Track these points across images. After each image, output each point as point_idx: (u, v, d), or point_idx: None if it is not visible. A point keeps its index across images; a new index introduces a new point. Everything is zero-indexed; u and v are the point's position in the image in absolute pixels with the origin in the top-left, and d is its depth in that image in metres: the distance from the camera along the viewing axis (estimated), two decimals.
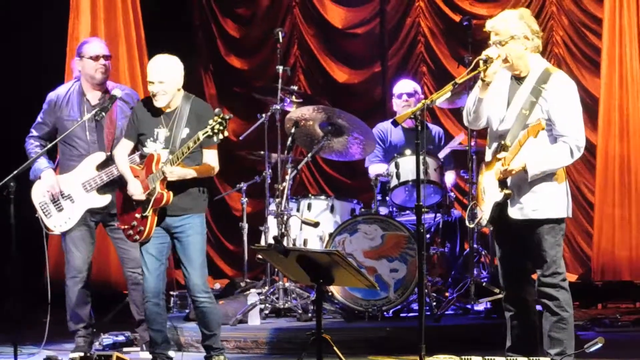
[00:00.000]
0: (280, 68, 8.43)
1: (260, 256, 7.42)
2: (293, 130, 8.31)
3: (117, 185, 6.95)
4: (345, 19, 10.98)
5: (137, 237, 6.56)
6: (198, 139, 6.33)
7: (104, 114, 7.04)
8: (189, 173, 6.50)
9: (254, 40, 11.10)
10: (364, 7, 10.94)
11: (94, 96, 7.34)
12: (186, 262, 6.58)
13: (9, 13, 10.00)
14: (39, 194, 7.27)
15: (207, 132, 6.30)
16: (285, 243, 7.75)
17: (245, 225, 8.92)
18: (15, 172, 6.38)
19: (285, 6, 11.06)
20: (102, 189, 7.16)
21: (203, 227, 6.66)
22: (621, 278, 9.59)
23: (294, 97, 8.55)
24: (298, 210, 8.35)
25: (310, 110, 8.28)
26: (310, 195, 8.67)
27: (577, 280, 9.76)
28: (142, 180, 6.54)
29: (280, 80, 8.38)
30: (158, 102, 6.54)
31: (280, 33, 8.59)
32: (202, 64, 11.20)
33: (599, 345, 5.84)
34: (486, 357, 5.77)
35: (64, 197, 7.21)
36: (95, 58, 7.31)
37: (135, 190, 6.54)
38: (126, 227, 6.63)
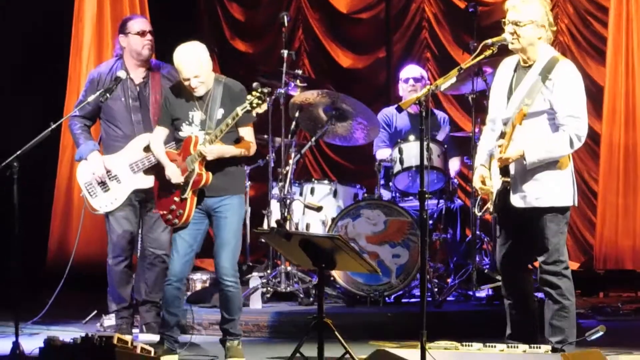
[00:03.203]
0: (285, 52, 8.40)
1: (262, 240, 7.42)
2: (297, 114, 8.31)
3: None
4: (350, 4, 10.94)
5: (177, 220, 6.43)
6: (237, 115, 6.26)
7: (108, 95, 6.94)
8: (228, 150, 6.41)
9: (259, 24, 11.06)
10: None
11: (137, 74, 7.23)
12: (219, 243, 6.48)
13: None
14: (84, 175, 7.21)
15: (245, 106, 6.24)
16: (287, 227, 7.75)
17: (248, 209, 8.89)
18: (18, 152, 6.35)
19: None
20: (149, 170, 7.03)
21: (241, 207, 6.61)
22: (624, 267, 9.58)
23: (298, 81, 8.53)
24: (301, 194, 8.35)
25: (315, 94, 8.27)
26: (313, 179, 8.66)
27: (579, 269, 9.75)
28: (179, 163, 6.43)
29: (284, 64, 8.36)
30: (198, 92, 6.47)
31: (285, 17, 8.55)
32: (207, 47, 11.12)
33: (600, 333, 5.84)
34: (487, 344, 5.76)
35: (110, 177, 7.14)
36: (142, 34, 7.22)
37: (173, 173, 6.42)
38: (165, 212, 6.49)
